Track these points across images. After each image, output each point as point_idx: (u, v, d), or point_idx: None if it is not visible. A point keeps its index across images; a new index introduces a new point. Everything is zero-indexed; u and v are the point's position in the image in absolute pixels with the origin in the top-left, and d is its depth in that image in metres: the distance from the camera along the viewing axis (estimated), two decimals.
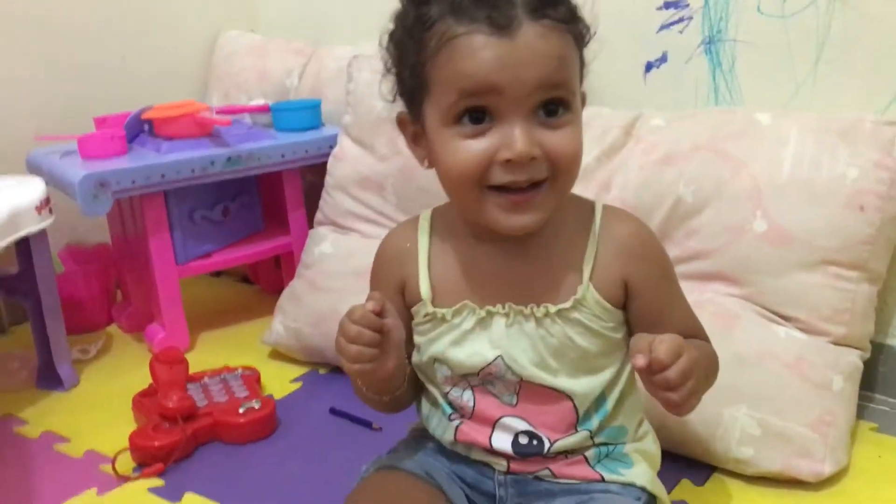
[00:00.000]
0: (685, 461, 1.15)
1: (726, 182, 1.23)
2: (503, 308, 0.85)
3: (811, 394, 1.13)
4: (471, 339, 0.87)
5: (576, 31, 0.80)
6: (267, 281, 1.81)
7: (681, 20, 1.41)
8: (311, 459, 1.22)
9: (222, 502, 1.12)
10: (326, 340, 1.43)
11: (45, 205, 1.36)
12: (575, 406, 0.87)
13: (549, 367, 0.86)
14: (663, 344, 0.74)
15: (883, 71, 1.23)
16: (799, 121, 1.23)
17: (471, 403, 0.89)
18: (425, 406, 0.95)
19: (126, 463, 1.21)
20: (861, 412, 1.24)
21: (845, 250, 1.17)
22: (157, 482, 1.17)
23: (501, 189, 0.79)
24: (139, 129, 1.55)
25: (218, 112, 1.61)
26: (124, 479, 1.18)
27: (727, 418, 1.12)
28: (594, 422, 0.88)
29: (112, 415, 1.35)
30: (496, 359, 0.86)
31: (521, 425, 0.88)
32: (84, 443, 1.28)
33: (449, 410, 0.91)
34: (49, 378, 1.44)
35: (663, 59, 1.44)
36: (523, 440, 0.88)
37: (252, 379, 1.37)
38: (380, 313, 0.79)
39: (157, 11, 1.88)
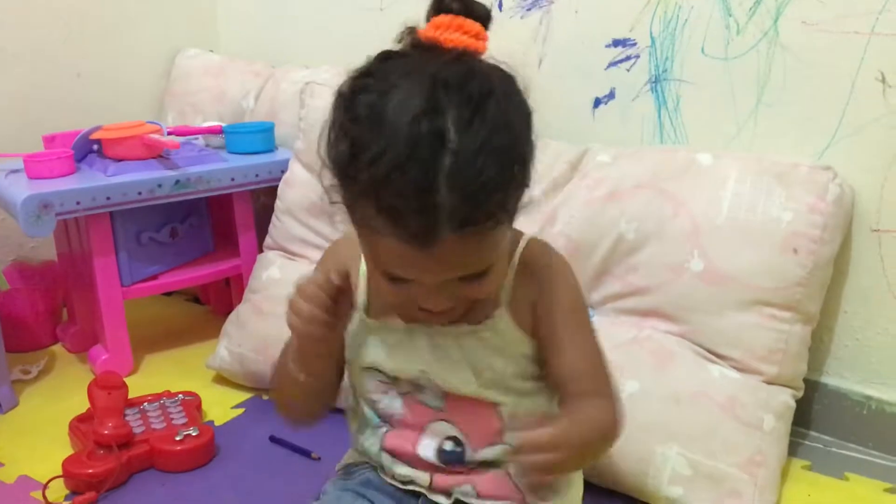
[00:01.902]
0: (618, 496, 1.15)
1: (666, 220, 1.25)
2: (426, 327, 0.88)
3: (742, 434, 1.14)
4: (396, 352, 0.90)
5: (511, 202, 0.75)
6: (217, 302, 1.79)
7: (628, 58, 1.43)
8: (248, 490, 1.21)
9: None
10: (270, 366, 1.42)
11: None
12: (500, 414, 0.90)
13: (470, 382, 0.89)
14: (531, 438, 0.77)
15: (820, 114, 1.26)
16: (738, 162, 1.25)
17: (400, 411, 0.92)
18: (354, 422, 0.97)
19: (59, 490, 1.19)
20: (794, 449, 1.26)
21: (779, 291, 1.19)
22: None
23: None
24: (88, 148, 1.54)
25: (170, 133, 1.60)
26: None
27: (659, 457, 1.13)
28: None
29: (49, 439, 1.33)
30: (420, 373, 0.89)
31: (449, 430, 0.91)
32: (18, 468, 1.26)
33: (377, 420, 0.93)
34: None
35: (611, 95, 1.46)
36: (447, 446, 0.91)
37: (192, 405, 1.36)
38: (340, 288, 0.84)
39: (115, 28, 1.87)
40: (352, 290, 0.87)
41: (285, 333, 1.36)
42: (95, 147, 1.55)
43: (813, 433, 1.34)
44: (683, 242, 1.23)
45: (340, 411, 1.36)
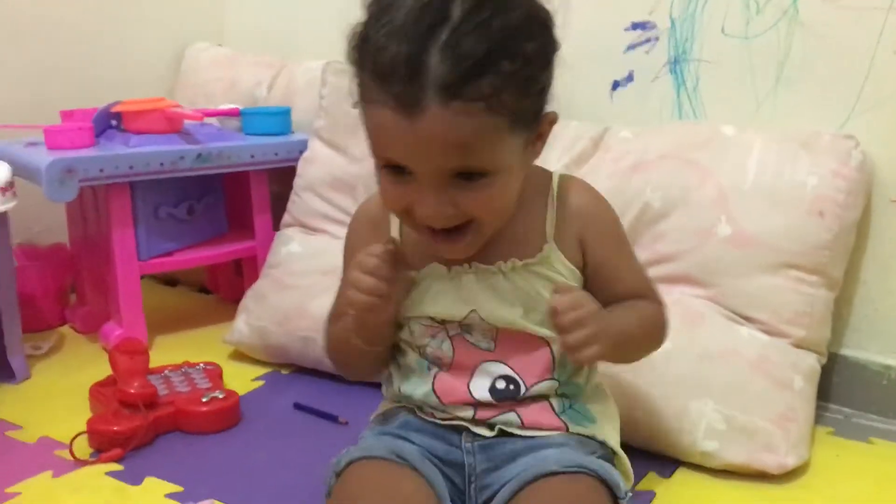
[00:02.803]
0: (651, 455, 1.16)
1: (692, 189, 1.28)
2: (469, 267, 0.90)
3: (774, 391, 1.16)
4: (442, 298, 0.91)
5: (507, 96, 0.75)
6: (227, 289, 1.78)
7: (647, 41, 1.47)
8: (277, 450, 1.19)
9: (185, 487, 1.09)
10: (291, 339, 1.42)
11: (10, 187, 1.33)
12: (552, 351, 0.92)
13: (522, 316, 0.90)
14: (565, 296, 0.83)
15: (839, 90, 1.30)
16: (761, 132, 1.29)
17: (450, 353, 0.92)
18: (401, 370, 0.97)
19: (83, 448, 1.17)
20: (817, 419, 1.28)
21: (806, 255, 1.22)
22: (116, 467, 1.14)
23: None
24: (107, 123, 1.54)
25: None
26: (81, 462, 1.14)
27: (694, 412, 1.14)
28: (566, 372, 0.93)
29: (66, 407, 1.30)
30: (470, 313, 0.90)
31: (500, 369, 0.92)
32: (37, 430, 1.24)
33: (426, 364, 0.94)
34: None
35: (630, 78, 1.50)
36: (500, 384, 0.92)
37: (214, 373, 1.35)
38: (395, 259, 0.87)
39: (126, 18, 1.88)
40: (403, 251, 0.88)
41: (307, 306, 1.39)
42: (114, 122, 1.55)
43: (833, 405, 1.36)
44: (710, 208, 1.26)
45: (363, 382, 1.37)
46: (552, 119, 0.86)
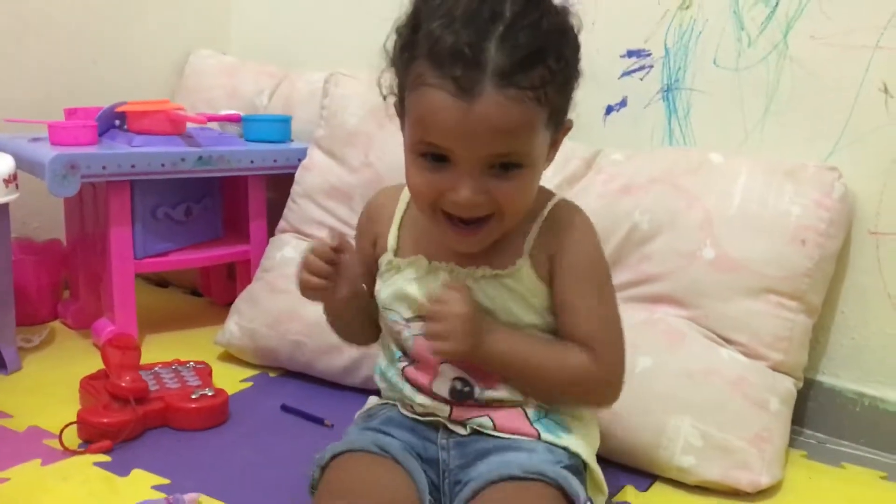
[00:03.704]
0: (629, 469, 1.20)
1: (680, 212, 1.32)
2: (446, 265, 0.95)
3: (751, 411, 1.20)
4: (415, 288, 0.97)
5: (550, 91, 0.83)
6: (218, 292, 1.81)
7: (642, 68, 1.52)
8: (263, 448, 1.22)
9: (172, 480, 1.12)
10: (282, 342, 1.45)
11: (13, 180, 1.36)
12: None
13: None
14: (441, 290, 0.91)
15: (824, 123, 1.35)
16: (748, 161, 1.34)
17: (412, 349, 0.98)
18: (382, 361, 1.04)
19: (72, 438, 1.19)
20: (791, 442, 1.31)
21: (787, 280, 1.26)
22: (104, 458, 1.16)
23: (450, 215, 0.89)
24: (111, 123, 1.58)
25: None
26: (70, 452, 1.16)
27: (672, 428, 1.18)
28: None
29: (56, 398, 1.33)
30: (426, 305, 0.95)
31: (456, 372, 0.96)
32: (27, 419, 1.26)
33: (399, 354, 1.00)
34: None
35: (623, 103, 1.55)
36: (458, 385, 0.96)
37: (204, 371, 1.37)
38: (336, 249, 0.95)
39: (132, 22, 1.92)
40: (351, 248, 0.98)
41: (299, 310, 1.42)
42: (118, 122, 1.58)
43: (807, 430, 1.40)
44: (696, 232, 1.30)
45: (352, 388, 1.40)
46: (569, 126, 0.93)
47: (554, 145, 0.92)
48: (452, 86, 0.80)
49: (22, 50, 1.73)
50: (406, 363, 1.00)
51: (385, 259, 1.00)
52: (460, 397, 0.97)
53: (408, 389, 0.99)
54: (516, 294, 0.95)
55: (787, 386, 1.26)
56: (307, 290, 0.97)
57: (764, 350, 1.26)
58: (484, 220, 0.88)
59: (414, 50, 0.84)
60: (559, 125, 0.90)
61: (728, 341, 1.27)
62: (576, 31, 0.88)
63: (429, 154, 0.86)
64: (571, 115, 0.93)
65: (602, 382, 0.96)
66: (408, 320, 0.98)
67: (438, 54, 0.81)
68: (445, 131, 0.83)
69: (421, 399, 0.98)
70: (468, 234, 0.90)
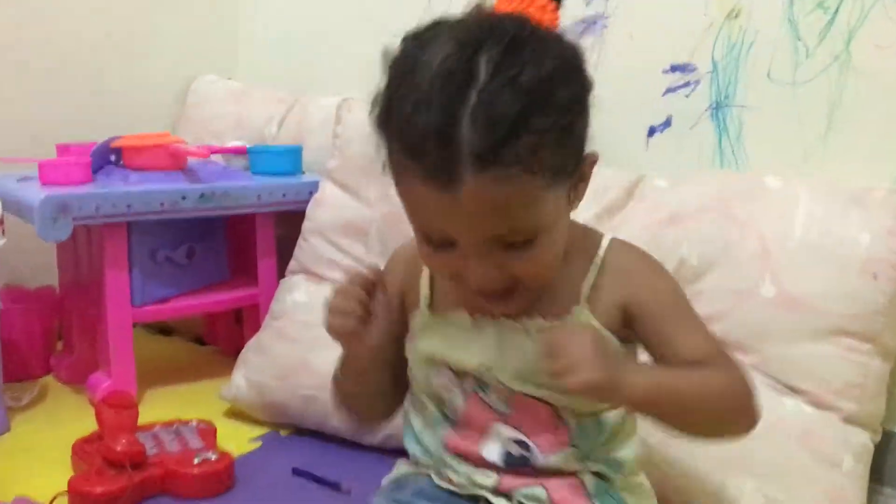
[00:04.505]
0: None
1: (733, 244, 1.27)
2: (495, 321, 0.90)
3: (820, 471, 1.14)
4: (458, 344, 0.91)
5: (545, 154, 0.75)
6: (225, 340, 1.78)
7: (687, 84, 1.47)
8: None
9: None
10: (292, 397, 1.41)
11: (0, 224, 1.34)
12: (565, 421, 0.90)
13: (537, 381, 0.88)
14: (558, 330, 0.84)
15: (894, 141, 1.29)
16: (809, 185, 1.28)
17: (463, 409, 0.92)
18: (417, 422, 0.97)
19: None
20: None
21: (857, 320, 1.19)
22: None
23: None
24: (106, 159, 1.56)
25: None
26: None
27: (732, 492, 1.12)
28: (588, 444, 0.91)
29: (47, 463, 1.30)
30: (481, 366, 0.90)
31: (514, 434, 0.91)
32: (14, 489, 1.22)
33: (440, 417, 0.94)
34: None
35: (667, 123, 1.50)
36: (513, 450, 0.91)
37: (208, 432, 1.34)
38: (373, 283, 0.88)
39: (131, 47, 1.91)
40: (385, 286, 0.90)
41: (310, 361, 1.38)
42: (113, 158, 1.56)
43: (888, 489, 1.32)
44: (752, 267, 1.24)
45: (370, 448, 1.36)
46: (593, 160, 0.86)
47: (581, 181, 0.86)
48: (428, 177, 0.75)
49: (10, 81, 1.72)
50: (448, 427, 0.94)
51: (418, 314, 0.95)
52: (515, 463, 0.91)
53: (449, 458, 0.94)
54: None
55: (863, 440, 1.20)
56: (334, 333, 0.89)
57: (834, 399, 1.19)
58: (510, 290, 0.84)
59: (388, 133, 0.79)
60: (574, 172, 0.83)
61: (793, 390, 1.20)
62: (576, 58, 0.81)
63: (432, 238, 0.82)
64: (594, 144, 0.86)
65: (748, 394, 0.89)
66: (457, 376, 0.92)
67: (409, 142, 0.75)
68: (434, 223, 0.79)
69: (464, 468, 0.93)
70: (499, 301, 0.85)
